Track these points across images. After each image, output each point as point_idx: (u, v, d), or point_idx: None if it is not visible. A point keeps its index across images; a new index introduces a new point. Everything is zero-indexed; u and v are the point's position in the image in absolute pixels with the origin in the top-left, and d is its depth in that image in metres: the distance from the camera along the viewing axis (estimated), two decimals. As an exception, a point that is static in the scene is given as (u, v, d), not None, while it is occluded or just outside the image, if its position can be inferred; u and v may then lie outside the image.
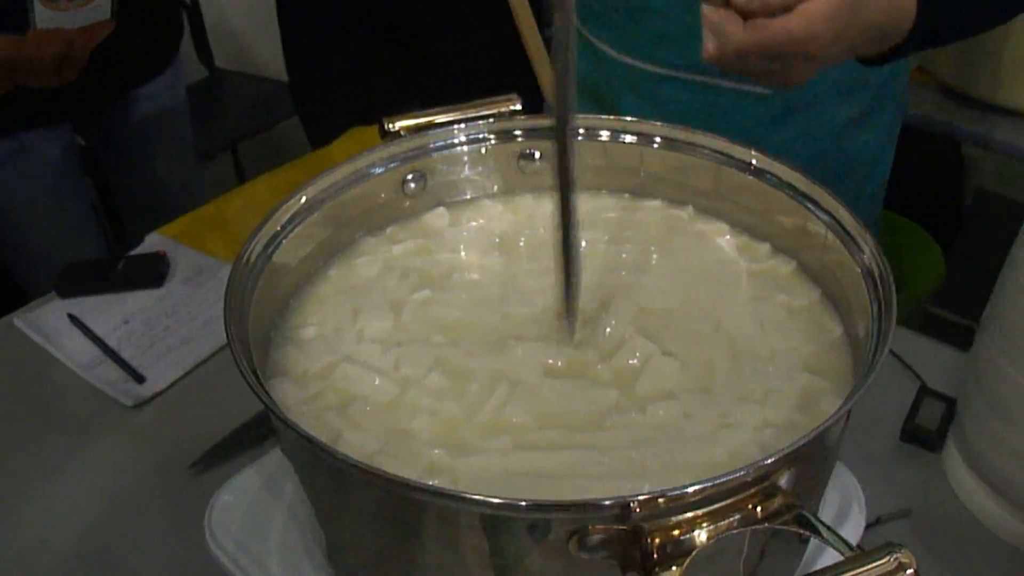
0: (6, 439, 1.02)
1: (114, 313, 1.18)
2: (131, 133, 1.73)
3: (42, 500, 0.94)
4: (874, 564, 0.45)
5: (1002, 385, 0.81)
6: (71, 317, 1.16)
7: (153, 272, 1.23)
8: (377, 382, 0.66)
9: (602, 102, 1.20)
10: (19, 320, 1.17)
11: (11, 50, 1.41)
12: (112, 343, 1.13)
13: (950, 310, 2.17)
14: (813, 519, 0.49)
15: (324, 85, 1.94)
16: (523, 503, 0.49)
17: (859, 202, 1.23)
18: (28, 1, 1.39)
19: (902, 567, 0.45)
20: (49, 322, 1.17)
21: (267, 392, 0.56)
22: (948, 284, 2.14)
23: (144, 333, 1.15)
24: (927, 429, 0.93)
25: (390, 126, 0.79)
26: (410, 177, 0.81)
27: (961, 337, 0.89)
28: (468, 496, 0.48)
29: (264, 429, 0.97)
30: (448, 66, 1.88)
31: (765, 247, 0.78)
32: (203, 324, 1.16)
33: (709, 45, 0.71)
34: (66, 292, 1.21)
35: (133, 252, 1.29)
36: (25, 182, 1.61)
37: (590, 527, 0.48)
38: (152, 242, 1.31)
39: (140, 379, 1.07)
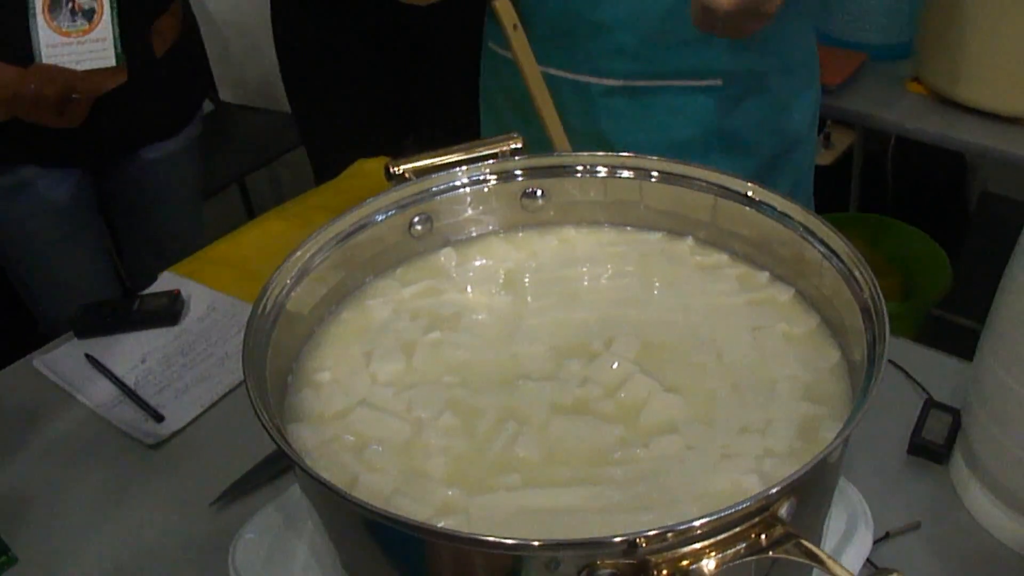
0: (27, 480, 1.03)
1: (131, 352, 1.19)
2: (139, 176, 1.74)
3: (65, 540, 0.96)
4: (871, 590, 0.47)
5: (1001, 394, 0.82)
6: (89, 357, 1.17)
7: (168, 310, 1.24)
8: (391, 424, 0.68)
9: (524, 112, 1.24)
10: (37, 361, 1.18)
11: (13, 81, 1.42)
12: (130, 382, 1.14)
13: (958, 314, 2.18)
14: (813, 547, 0.51)
15: (327, 116, 1.95)
16: (535, 542, 0.51)
17: (801, 174, 1.33)
18: (32, 20, 1.41)
19: (897, 590, 0.47)
20: (67, 363, 1.18)
21: (288, 443, 0.58)
22: (955, 287, 2.15)
23: (161, 372, 1.16)
24: (934, 442, 0.94)
25: (395, 169, 0.81)
26: (416, 220, 0.83)
27: (968, 342, 0.90)
28: (483, 538, 0.51)
29: (283, 465, 0.99)
30: (448, 94, 1.89)
31: (764, 275, 0.80)
32: (219, 361, 1.17)
33: (699, 14, 0.95)
34: (83, 332, 1.23)
35: (147, 291, 1.30)
36: (35, 219, 1.63)
37: (600, 562, 0.50)
38: (165, 280, 1.33)
39: (159, 418, 1.08)
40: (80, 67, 1.45)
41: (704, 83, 1.20)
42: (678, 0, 1.13)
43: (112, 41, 1.46)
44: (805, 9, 1.25)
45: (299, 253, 0.75)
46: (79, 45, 1.44)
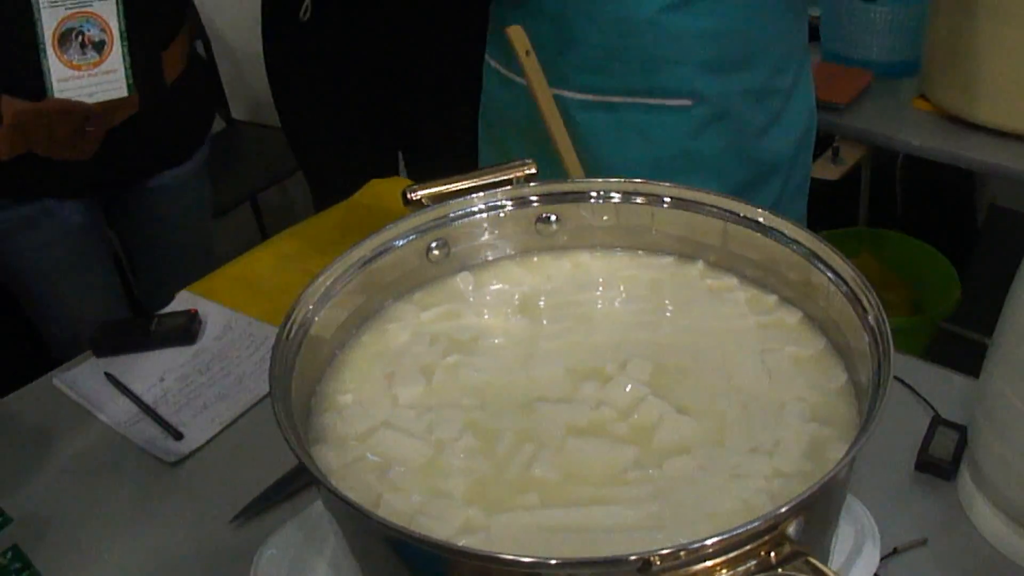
0: (48, 496, 1.04)
1: (149, 371, 1.21)
2: (152, 202, 1.74)
3: (87, 556, 0.97)
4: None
5: (1007, 411, 0.83)
6: (108, 376, 1.19)
7: (186, 330, 1.25)
8: (413, 446, 0.70)
9: (526, 134, 1.26)
10: (57, 379, 1.20)
11: (27, 116, 1.42)
12: (149, 401, 1.15)
13: (967, 328, 2.19)
14: (820, 565, 0.53)
15: (319, 138, 1.97)
16: (553, 561, 0.53)
17: (782, 200, 1.35)
18: (43, 55, 1.41)
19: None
20: (86, 381, 1.20)
21: (315, 464, 0.60)
22: (964, 301, 2.16)
23: (180, 390, 1.17)
24: (941, 458, 0.95)
25: (412, 195, 0.83)
26: (434, 245, 0.85)
27: (977, 356, 0.91)
28: (503, 557, 0.53)
29: (301, 483, 1.01)
30: (440, 113, 1.91)
31: (772, 299, 0.82)
32: (236, 380, 1.18)
33: None
34: (102, 351, 1.24)
35: (164, 310, 1.31)
36: (48, 249, 1.63)
37: (614, 581, 0.53)
38: (182, 300, 1.34)
39: (178, 436, 1.10)
40: (93, 99, 1.46)
41: (673, 102, 1.23)
42: (648, 18, 1.16)
43: (124, 72, 1.47)
44: (786, 39, 1.26)
45: (322, 278, 0.77)
46: (90, 77, 1.45)
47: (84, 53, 1.43)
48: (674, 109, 1.23)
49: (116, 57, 1.46)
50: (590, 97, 1.24)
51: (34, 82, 1.42)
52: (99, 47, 1.45)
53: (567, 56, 1.22)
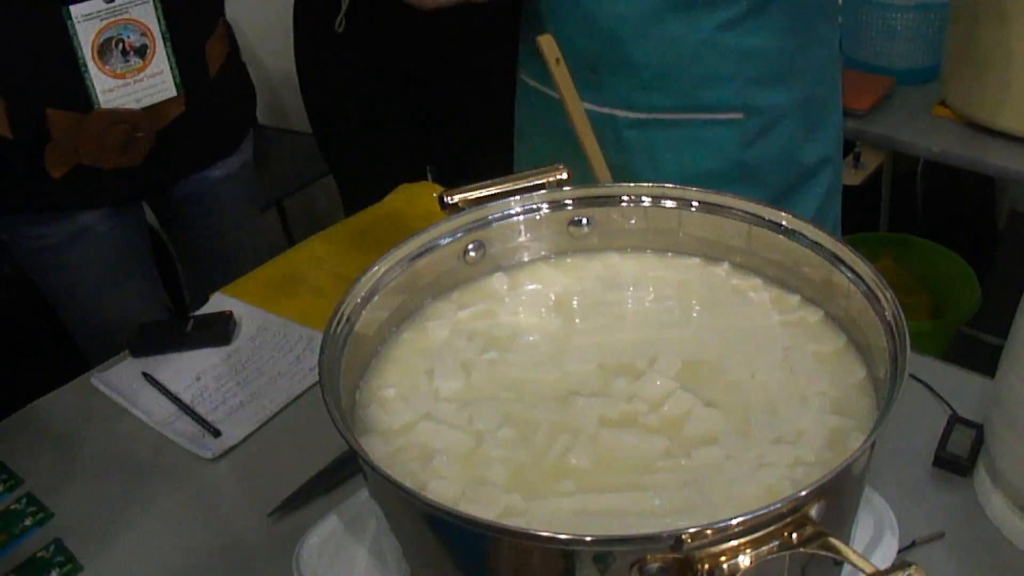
0: (89, 493, 1.07)
1: (186, 371, 1.23)
2: (201, 197, 1.72)
3: (128, 551, 1.00)
4: (891, 580, 0.52)
5: (1021, 409, 0.86)
6: (146, 375, 1.21)
7: (221, 331, 1.28)
8: (454, 436, 0.74)
9: (560, 144, 1.30)
10: (96, 379, 1.22)
11: (74, 128, 1.41)
12: (186, 399, 1.18)
13: (987, 332, 2.20)
14: (839, 543, 0.56)
15: (350, 145, 1.99)
16: (588, 538, 0.57)
17: (809, 199, 1.37)
18: (83, 70, 1.39)
19: (915, 582, 0.52)
20: (124, 380, 1.22)
21: (366, 453, 0.64)
22: (984, 305, 2.17)
23: (216, 389, 1.20)
24: (958, 455, 0.97)
25: (448, 199, 0.86)
26: (471, 246, 0.89)
27: (997, 360, 0.93)
28: (543, 534, 0.57)
29: (339, 476, 1.04)
30: (468, 119, 1.94)
31: (795, 298, 0.85)
32: (271, 380, 1.21)
33: None
34: (138, 351, 1.26)
35: (199, 312, 1.34)
36: (92, 265, 1.62)
37: (648, 557, 0.56)
38: (216, 301, 1.37)
39: (216, 433, 1.12)
40: (141, 104, 1.45)
41: (726, 116, 1.26)
42: (702, 38, 1.20)
43: (170, 72, 1.46)
44: (825, 48, 1.30)
45: (365, 277, 0.81)
46: (136, 84, 1.43)
47: (127, 60, 1.42)
48: (725, 123, 1.26)
49: (161, 58, 1.45)
50: (642, 115, 1.27)
51: (80, 97, 1.41)
52: (141, 52, 1.43)
53: (620, 76, 1.25)
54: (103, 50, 1.40)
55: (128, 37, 1.42)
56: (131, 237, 1.66)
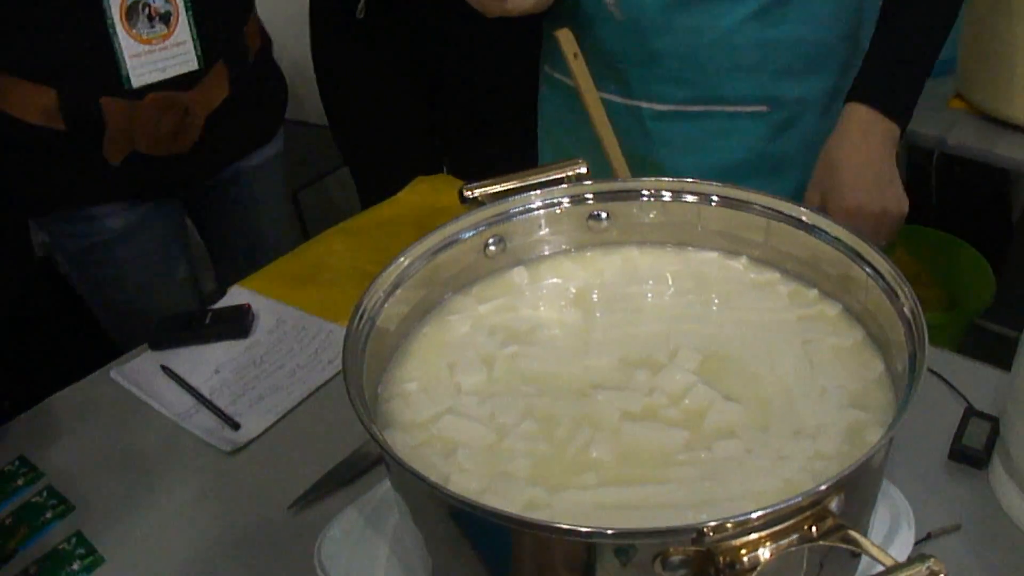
0: (109, 486, 1.07)
1: (205, 364, 1.23)
2: (239, 186, 1.73)
3: (148, 542, 1.00)
4: (909, 572, 0.53)
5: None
6: (165, 368, 1.22)
7: (240, 324, 1.28)
8: (477, 430, 0.75)
9: (582, 137, 1.31)
10: (115, 372, 1.23)
11: (127, 114, 1.42)
12: (205, 392, 1.18)
13: (1001, 324, 2.20)
14: (858, 536, 0.57)
15: (367, 139, 1.99)
16: (610, 531, 0.58)
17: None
18: (112, 31, 1.38)
19: (933, 574, 0.53)
20: (144, 373, 1.23)
21: (390, 447, 0.65)
22: (999, 297, 2.16)
23: (235, 382, 1.20)
24: (974, 448, 0.98)
25: (468, 192, 0.87)
26: (491, 241, 0.89)
27: (1011, 351, 0.94)
28: (564, 527, 0.58)
29: (358, 469, 1.04)
30: (488, 116, 1.93)
31: (813, 292, 0.86)
32: (290, 372, 1.21)
33: None
34: (157, 344, 1.27)
35: (217, 305, 1.34)
36: (139, 257, 1.62)
37: (670, 549, 0.57)
38: (234, 294, 1.37)
39: (235, 426, 1.12)
40: (166, 74, 1.44)
41: (751, 109, 1.26)
42: (726, 30, 1.20)
43: (192, 43, 1.46)
44: (850, 40, 1.30)
45: (387, 272, 0.82)
46: (161, 51, 1.43)
47: (152, 26, 1.42)
48: (751, 115, 1.27)
49: (183, 28, 1.44)
50: (668, 107, 1.28)
51: (105, 61, 1.40)
52: (166, 19, 1.43)
53: (646, 69, 1.25)
54: (130, 13, 1.40)
55: (154, 2, 1.42)
56: (174, 228, 1.68)
